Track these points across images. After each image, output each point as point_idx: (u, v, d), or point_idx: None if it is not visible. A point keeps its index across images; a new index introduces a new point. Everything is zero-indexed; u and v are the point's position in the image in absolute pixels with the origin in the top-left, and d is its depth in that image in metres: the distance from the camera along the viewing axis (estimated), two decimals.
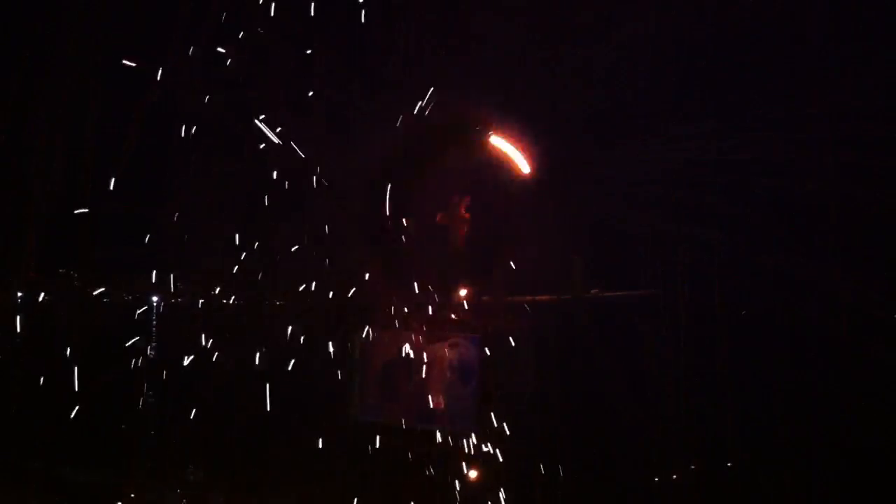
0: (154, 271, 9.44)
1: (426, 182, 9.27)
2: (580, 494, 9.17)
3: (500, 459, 9.03)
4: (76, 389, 9.17)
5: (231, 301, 10.45)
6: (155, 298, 10.80)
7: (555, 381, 9.24)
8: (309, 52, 9.09)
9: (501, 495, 8.95)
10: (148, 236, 9.03)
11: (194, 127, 8.96)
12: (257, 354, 9.14)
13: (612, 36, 8.69)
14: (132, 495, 9.71)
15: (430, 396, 9.13)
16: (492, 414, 9.02)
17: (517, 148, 9.28)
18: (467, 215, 9.65)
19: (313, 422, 9.12)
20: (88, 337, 9.66)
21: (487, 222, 9.59)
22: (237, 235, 9.35)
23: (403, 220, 9.23)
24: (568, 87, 8.81)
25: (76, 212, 9.28)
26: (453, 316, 9.66)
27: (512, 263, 9.17)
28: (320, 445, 8.96)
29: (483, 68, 8.94)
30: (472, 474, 9.26)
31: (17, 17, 9.44)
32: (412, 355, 9.21)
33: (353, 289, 9.43)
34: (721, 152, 8.61)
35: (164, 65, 8.82)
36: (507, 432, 8.91)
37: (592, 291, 9.91)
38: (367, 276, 9.34)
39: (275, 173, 9.09)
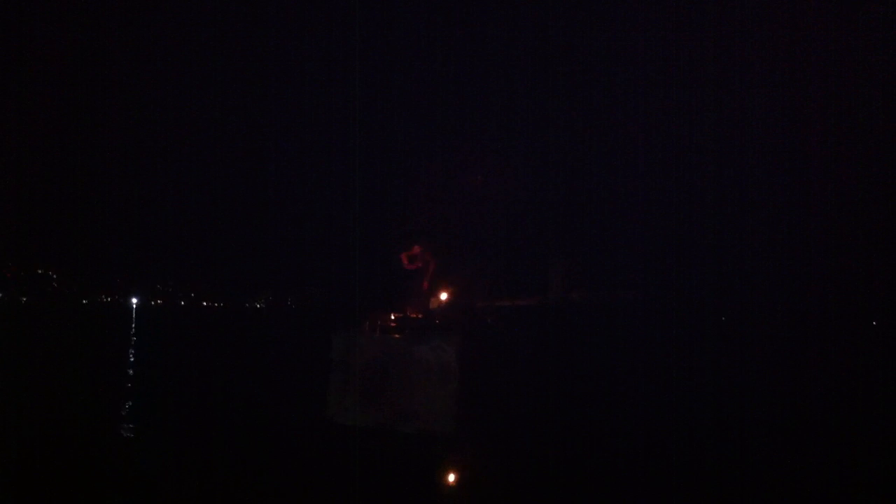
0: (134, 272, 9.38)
1: None
2: (565, 491, 9.12)
3: (480, 459, 8.97)
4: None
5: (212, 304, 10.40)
6: (134, 300, 10.76)
7: (533, 381, 9.24)
8: None
9: (483, 494, 8.89)
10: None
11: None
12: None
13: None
14: None
15: (408, 398, 9.08)
16: (470, 414, 8.99)
17: None
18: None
19: (290, 424, 9.05)
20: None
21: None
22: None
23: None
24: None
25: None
26: (433, 319, 9.64)
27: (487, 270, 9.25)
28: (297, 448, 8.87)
29: None
30: (451, 477, 9.21)
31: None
32: (392, 357, 9.17)
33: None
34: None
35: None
36: (487, 432, 8.86)
37: (573, 294, 9.91)
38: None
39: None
